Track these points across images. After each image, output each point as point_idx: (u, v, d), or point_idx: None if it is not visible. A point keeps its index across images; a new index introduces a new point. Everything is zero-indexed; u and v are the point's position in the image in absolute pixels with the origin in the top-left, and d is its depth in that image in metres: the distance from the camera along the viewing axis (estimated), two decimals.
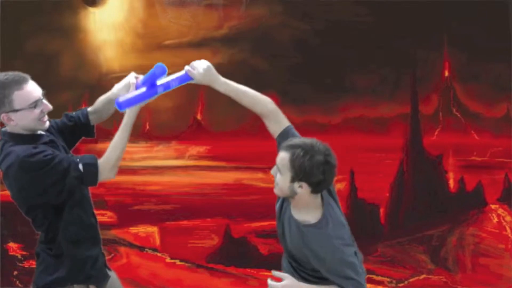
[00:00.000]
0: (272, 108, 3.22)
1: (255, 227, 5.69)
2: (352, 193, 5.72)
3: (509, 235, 5.68)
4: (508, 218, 5.68)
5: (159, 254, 5.92)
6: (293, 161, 2.76)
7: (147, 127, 5.98)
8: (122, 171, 5.98)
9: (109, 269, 3.34)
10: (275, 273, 2.90)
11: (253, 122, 5.88)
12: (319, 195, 2.87)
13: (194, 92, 5.95)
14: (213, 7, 5.91)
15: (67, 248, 3.02)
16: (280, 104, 5.84)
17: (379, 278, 5.70)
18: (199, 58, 5.98)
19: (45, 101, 3.01)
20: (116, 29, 6.02)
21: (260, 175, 5.75)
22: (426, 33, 5.69)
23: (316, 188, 2.79)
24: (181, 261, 5.89)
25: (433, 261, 5.68)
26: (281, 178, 2.82)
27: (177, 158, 5.98)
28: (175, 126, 5.97)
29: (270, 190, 5.75)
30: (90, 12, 6.01)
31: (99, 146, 6.02)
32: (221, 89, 3.25)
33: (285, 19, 5.81)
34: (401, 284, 5.68)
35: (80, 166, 2.88)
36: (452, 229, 5.70)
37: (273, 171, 2.88)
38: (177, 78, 3.15)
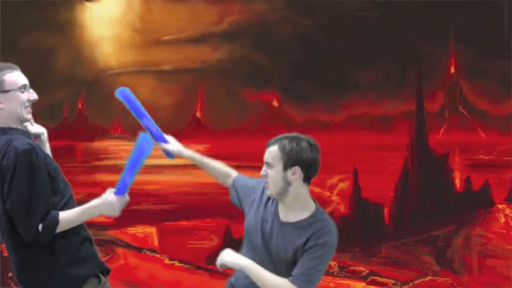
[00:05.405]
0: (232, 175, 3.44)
1: None
2: (356, 192, 5.66)
3: None
4: None
5: (157, 255, 5.88)
6: (282, 148, 2.95)
7: None
8: (120, 170, 5.93)
9: None
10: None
11: (254, 120, 5.82)
12: (308, 189, 3.02)
13: (193, 88, 5.90)
14: (213, 2, 5.85)
15: None
16: (281, 101, 5.87)
17: (383, 279, 5.64)
18: (199, 54, 5.98)
19: (31, 90, 3.15)
20: (113, 24, 5.99)
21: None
22: (432, 28, 5.63)
23: (308, 171, 2.96)
24: (180, 262, 5.85)
25: (438, 262, 5.61)
26: (273, 172, 2.98)
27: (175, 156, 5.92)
28: (174, 124, 5.91)
29: None
30: (86, 7, 5.99)
31: (96, 144, 5.96)
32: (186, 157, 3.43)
33: (287, 14, 5.76)
34: (406, 286, 5.62)
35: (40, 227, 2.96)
36: (458, 230, 5.64)
37: (263, 171, 3.03)
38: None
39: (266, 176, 3.00)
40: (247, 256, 3.05)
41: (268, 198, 3.13)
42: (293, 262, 2.96)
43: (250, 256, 3.05)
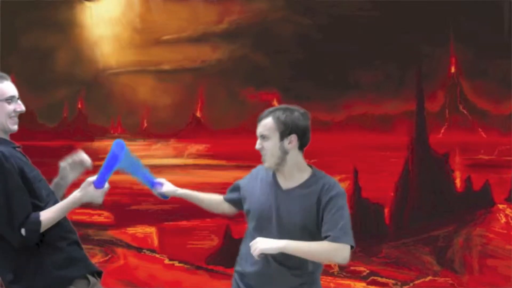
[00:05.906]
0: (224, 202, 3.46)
1: None
2: (356, 192, 5.65)
3: None
4: None
5: (157, 255, 5.86)
6: (277, 119, 3.04)
7: (145, 124, 5.95)
8: (118, 170, 5.94)
9: None
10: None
11: (254, 119, 5.79)
12: (302, 156, 3.11)
13: (193, 88, 5.89)
14: (213, 1, 5.84)
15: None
16: (281, 101, 5.85)
17: (383, 280, 5.63)
18: (199, 54, 5.97)
19: (19, 101, 3.13)
20: (113, 24, 5.97)
21: None
22: (432, 28, 5.62)
23: (303, 139, 3.07)
24: (180, 262, 5.83)
25: (439, 262, 5.60)
26: (270, 143, 3.06)
27: (175, 156, 5.93)
28: (174, 124, 5.92)
29: None
30: (86, 7, 5.98)
31: (96, 144, 5.94)
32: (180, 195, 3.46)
33: (287, 14, 5.76)
34: (406, 286, 5.61)
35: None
36: (458, 230, 5.63)
37: (258, 145, 3.09)
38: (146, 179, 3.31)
39: (262, 149, 3.08)
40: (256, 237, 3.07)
41: (262, 178, 3.18)
42: (304, 225, 3.01)
43: (262, 236, 3.05)
